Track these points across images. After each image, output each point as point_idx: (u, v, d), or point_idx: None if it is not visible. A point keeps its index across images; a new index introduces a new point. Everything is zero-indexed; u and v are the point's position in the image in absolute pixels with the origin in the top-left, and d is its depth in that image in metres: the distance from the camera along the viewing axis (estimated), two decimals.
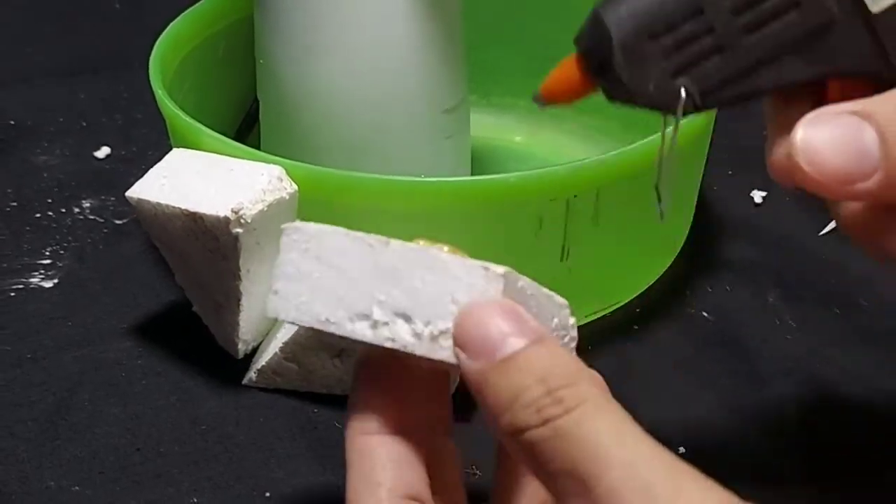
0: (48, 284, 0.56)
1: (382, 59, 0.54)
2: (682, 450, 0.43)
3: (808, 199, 0.39)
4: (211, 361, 0.49)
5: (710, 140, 0.56)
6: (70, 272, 0.57)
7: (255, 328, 0.48)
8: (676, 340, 0.52)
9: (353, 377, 0.35)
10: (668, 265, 0.56)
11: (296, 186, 0.45)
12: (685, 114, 0.33)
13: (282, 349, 0.47)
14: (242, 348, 0.48)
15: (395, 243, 0.33)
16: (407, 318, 0.33)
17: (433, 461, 0.35)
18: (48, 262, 0.57)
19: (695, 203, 0.58)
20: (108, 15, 0.86)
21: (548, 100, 0.35)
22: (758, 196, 0.62)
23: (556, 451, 0.29)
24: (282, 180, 0.45)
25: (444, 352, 0.32)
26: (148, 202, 0.46)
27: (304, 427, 0.47)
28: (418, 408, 0.35)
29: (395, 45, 0.54)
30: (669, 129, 0.35)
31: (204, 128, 0.50)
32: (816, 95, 0.34)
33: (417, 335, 0.33)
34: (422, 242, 0.35)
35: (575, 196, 0.48)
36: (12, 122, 0.70)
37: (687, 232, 0.57)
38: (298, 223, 0.35)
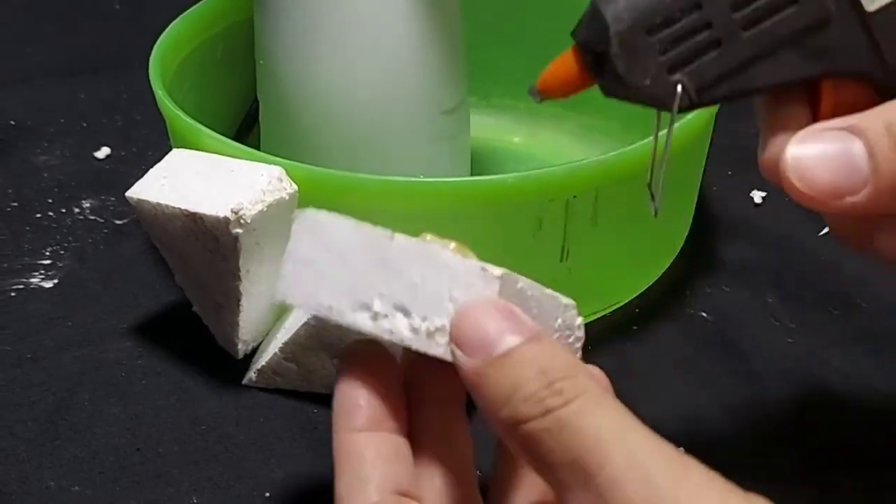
0: (48, 284, 0.56)
1: (382, 59, 0.54)
2: (681, 449, 0.43)
3: None
4: (211, 361, 0.50)
5: (710, 140, 0.56)
6: (70, 272, 0.57)
7: (255, 328, 0.48)
8: (676, 340, 0.52)
9: (338, 375, 0.35)
10: (667, 265, 0.56)
11: (296, 187, 0.46)
12: (681, 110, 0.33)
13: (282, 349, 0.47)
14: (242, 348, 0.49)
15: (400, 238, 0.34)
16: (406, 313, 0.33)
17: (444, 439, 0.35)
18: (48, 262, 0.57)
19: (694, 203, 0.58)
20: (108, 15, 0.86)
21: (543, 93, 0.35)
22: (757, 196, 0.63)
23: (556, 442, 0.30)
24: (282, 181, 0.45)
25: (439, 348, 0.33)
26: (148, 202, 0.46)
27: (304, 427, 0.47)
28: (429, 389, 0.35)
29: (395, 45, 0.54)
30: (662, 134, 0.35)
31: (204, 128, 0.50)
32: (809, 97, 0.34)
33: (415, 330, 0.33)
34: (429, 237, 0.35)
35: (574, 197, 0.48)
36: (12, 122, 0.70)
37: (687, 232, 0.57)
38: (310, 210, 0.35)
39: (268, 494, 0.44)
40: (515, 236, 0.48)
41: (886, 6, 0.33)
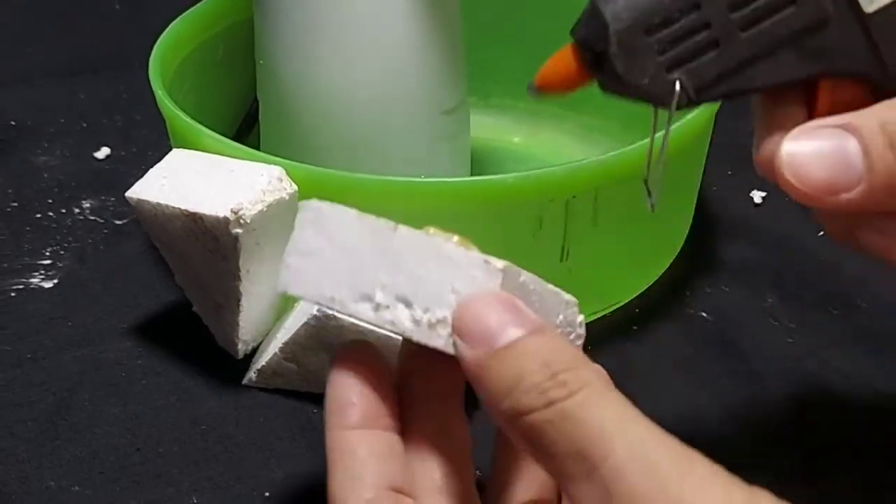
0: (48, 285, 0.56)
1: (382, 59, 0.54)
2: None
3: None
4: (211, 361, 0.50)
5: (710, 140, 0.56)
6: (70, 272, 0.57)
7: (255, 328, 0.48)
8: (676, 341, 0.52)
9: (329, 373, 0.35)
10: (667, 265, 0.56)
11: (296, 187, 0.46)
12: (679, 108, 0.33)
13: (282, 349, 0.47)
14: (242, 348, 0.49)
15: (403, 229, 0.34)
16: (407, 304, 0.33)
17: (442, 433, 0.35)
18: (48, 262, 0.57)
19: (694, 203, 0.58)
20: (108, 15, 0.86)
21: (542, 90, 0.35)
22: (757, 196, 0.63)
23: (559, 433, 0.30)
24: (282, 181, 0.45)
25: (440, 340, 0.33)
26: (148, 202, 0.46)
27: (304, 427, 0.47)
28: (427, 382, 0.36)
29: (395, 45, 0.54)
30: (659, 135, 0.35)
31: (204, 128, 0.50)
32: (806, 96, 0.35)
33: (416, 321, 0.33)
34: (432, 230, 0.35)
35: (574, 197, 0.48)
36: (12, 123, 0.70)
37: (686, 232, 0.57)
38: (315, 201, 0.35)
39: (268, 494, 0.44)
40: (515, 236, 0.48)
41: (885, 7, 0.33)
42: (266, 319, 0.49)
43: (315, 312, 0.44)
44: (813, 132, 0.33)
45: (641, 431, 0.30)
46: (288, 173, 0.46)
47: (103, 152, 0.67)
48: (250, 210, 0.44)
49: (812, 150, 0.33)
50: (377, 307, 0.34)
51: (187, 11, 0.60)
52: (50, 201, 0.62)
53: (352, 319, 0.34)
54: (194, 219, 0.44)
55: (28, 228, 0.60)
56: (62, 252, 0.58)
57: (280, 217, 0.45)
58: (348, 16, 0.53)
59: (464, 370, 0.32)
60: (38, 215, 0.61)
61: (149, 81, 0.54)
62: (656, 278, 0.55)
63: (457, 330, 0.32)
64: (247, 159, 0.47)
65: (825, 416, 0.48)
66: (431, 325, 0.33)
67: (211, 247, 0.45)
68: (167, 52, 0.57)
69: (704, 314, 0.54)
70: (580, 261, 0.49)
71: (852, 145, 0.33)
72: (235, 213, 0.43)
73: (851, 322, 0.53)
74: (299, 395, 0.48)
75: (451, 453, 0.35)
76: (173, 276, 0.50)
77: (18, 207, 0.62)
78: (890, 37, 0.33)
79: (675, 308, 0.54)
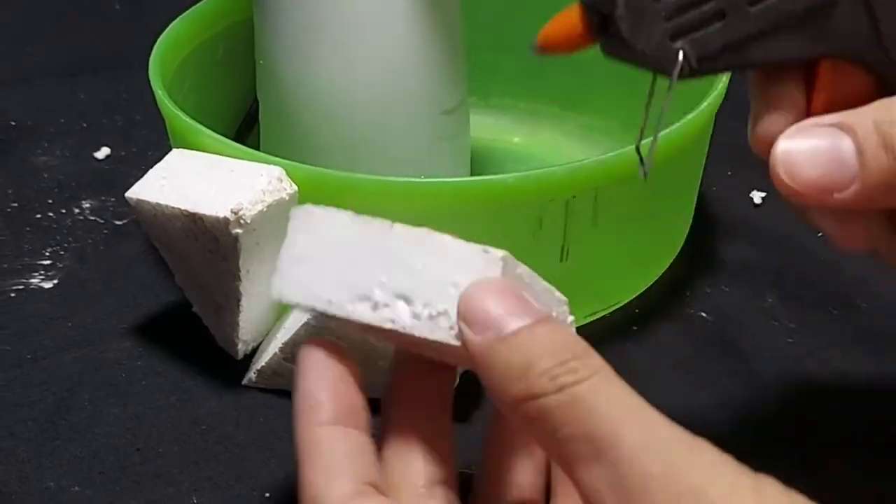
0: (48, 285, 0.56)
1: (382, 59, 0.54)
2: None
3: None
4: (211, 361, 0.50)
5: (710, 140, 0.56)
6: (70, 273, 0.57)
7: (255, 328, 0.48)
8: (676, 341, 0.52)
9: (297, 369, 0.35)
10: (667, 265, 0.56)
11: (296, 187, 0.46)
12: (680, 78, 0.33)
13: (282, 349, 0.47)
14: (242, 349, 0.49)
15: (399, 227, 0.34)
16: (407, 300, 0.33)
17: (429, 437, 0.35)
18: (48, 262, 0.57)
19: (694, 203, 0.58)
20: (108, 15, 0.86)
21: (544, 49, 0.35)
22: (757, 196, 0.63)
23: (569, 416, 0.30)
24: (281, 181, 0.45)
25: (441, 332, 0.33)
26: (147, 203, 0.46)
27: None
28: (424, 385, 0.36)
29: (395, 45, 0.54)
30: (652, 124, 0.35)
31: (204, 128, 0.50)
32: (806, 77, 0.35)
33: (416, 316, 0.33)
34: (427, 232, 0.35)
35: (574, 197, 0.48)
36: (12, 123, 0.70)
37: (686, 232, 0.57)
38: (307, 206, 0.35)
39: (268, 494, 0.44)
40: (515, 236, 0.48)
41: None
42: (266, 319, 0.49)
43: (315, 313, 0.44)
44: (808, 130, 0.33)
45: (651, 417, 0.30)
46: (288, 173, 0.46)
47: (103, 152, 0.67)
48: (250, 210, 0.44)
49: (806, 149, 0.33)
50: (375, 306, 0.34)
51: (187, 11, 0.60)
52: (50, 201, 0.62)
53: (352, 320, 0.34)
54: (194, 219, 0.44)
55: (28, 228, 0.60)
56: (62, 252, 0.58)
57: (280, 217, 0.45)
58: (348, 16, 0.53)
59: (470, 356, 0.32)
60: (38, 215, 0.61)
61: (149, 81, 0.54)
62: (656, 278, 0.55)
63: (463, 316, 0.32)
64: (247, 159, 0.47)
65: (825, 416, 0.48)
66: (433, 318, 0.33)
67: (211, 247, 0.45)
68: (167, 52, 0.57)
69: (704, 314, 0.54)
70: (580, 261, 0.49)
71: (846, 144, 0.33)
72: (235, 213, 0.43)
73: (851, 322, 0.53)
74: None
75: (436, 458, 0.35)
76: (173, 276, 0.50)
77: (18, 207, 0.62)
78: (893, 24, 0.33)
79: (675, 308, 0.54)
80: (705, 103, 0.51)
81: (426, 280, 0.33)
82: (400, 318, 0.33)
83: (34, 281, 0.56)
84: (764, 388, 0.49)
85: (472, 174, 0.60)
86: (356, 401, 0.35)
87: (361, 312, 0.34)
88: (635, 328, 0.53)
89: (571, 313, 0.37)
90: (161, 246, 0.49)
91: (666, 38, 0.33)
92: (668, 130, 0.48)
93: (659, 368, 0.50)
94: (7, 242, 0.59)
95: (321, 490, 0.33)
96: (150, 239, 0.51)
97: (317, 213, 0.35)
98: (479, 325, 0.32)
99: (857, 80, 0.34)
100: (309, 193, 0.46)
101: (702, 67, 0.33)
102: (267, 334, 0.49)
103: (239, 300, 0.46)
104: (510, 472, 0.37)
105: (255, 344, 0.49)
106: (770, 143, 0.34)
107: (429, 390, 0.37)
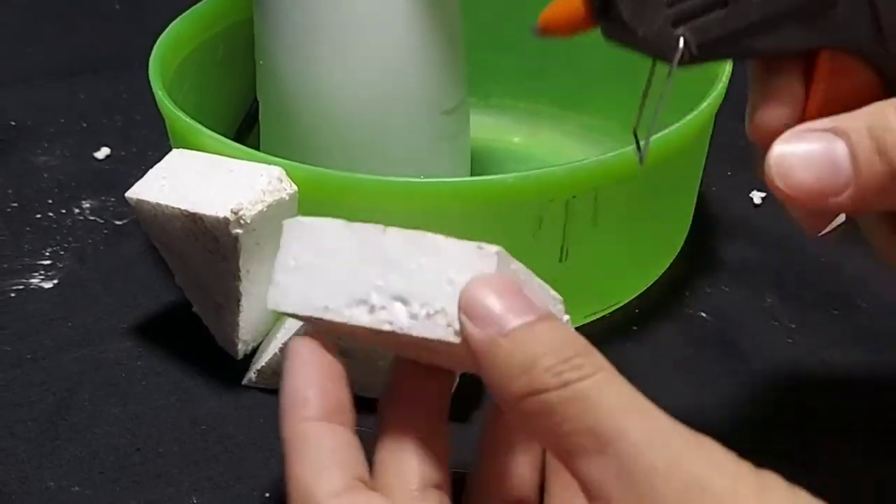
0: (48, 285, 0.56)
1: (382, 59, 0.54)
2: None
3: None
4: (211, 361, 0.50)
5: (710, 140, 0.56)
6: (70, 273, 0.57)
7: (255, 328, 0.48)
8: (676, 341, 0.52)
9: (285, 365, 0.35)
10: (667, 265, 0.56)
11: (295, 187, 0.46)
12: (680, 65, 0.33)
13: (282, 349, 0.47)
14: (242, 348, 0.49)
15: (392, 230, 0.34)
16: (404, 301, 0.33)
17: (425, 439, 0.35)
18: (48, 262, 0.57)
19: (694, 203, 0.58)
20: (108, 15, 0.86)
21: (545, 31, 0.35)
22: (757, 197, 0.62)
23: (574, 411, 0.30)
24: (281, 181, 0.45)
25: (439, 330, 0.33)
26: (147, 203, 0.46)
27: None
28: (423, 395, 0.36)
29: (395, 45, 0.54)
30: (650, 109, 0.35)
31: (204, 128, 0.50)
32: (805, 68, 0.35)
33: (414, 316, 0.33)
34: None
35: (574, 197, 0.48)
36: (12, 123, 0.70)
37: (686, 232, 0.57)
38: (299, 218, 0.36)
39: (268, 494, 0.44)
40: (515, 236, 0.48)
41: None
42: (266, 319, 0.49)
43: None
44: (802, 135, 0.34)
45: (654, 413, 0.30)
46: (288, 173, 0.46)
47: (103, 152, 0.67)
48: (250, 210, 0.44)
49: (801, 154, 0.33)
50: (372, 309, 0.34)
51: (187, 11, 0.60)
52: (50, 201, 0.62)
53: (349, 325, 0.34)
54: (194, 219, 0.44)
55: (28, 228, 0.60)
56: (62, 252, 0.58)
57: (280, 217, 0.44)
58: (348, 16, 0.53)
59: (470, 350, 0.32)
60: (38, 215, 0.61)
61: (149, 81, 0.54)
62: (656, 278, 0.55)
63: (465, 309, 0.32)
64: (247, 159, 0.47)
65: (825, 416, 0.48)
66: (430, 317, 0.33)
67: (211, 247, 0.45)
68: (167, 52, 0.57)
69: (704, 314, 0.54)
70: (580, 261, 0.49)
71: (840, 149, 0.33)
72: (235, 213, 0.43)
73: (851, 322, 0.53)
74: None
75: (431, 460, 0.35)
76: (173, 276, 0.50)
77: (18, 207, 0.62)
78: (894, 18, 0.33)
79: (675, 308, 0.54)
80: (705, 103, 0.51)
81: (422, 280, 0.33)
82: (397, 319, 0.33)
83: (34, 281, 0.56)
84: (764, 389, 0.49)
85: (472, 174, 0.60)
86: (343, 398, 0.35)
87: (359, 316, 0.34)
88: (635, 328, 0.53)
89: (567, 312, 0.37)
90: (161, 246, 0.49)
91: (667, 24, 0.33)
92: (668, 130, 0.49)
93: (659, 368, 0.50)
94: (7, 242, 0.59)
95: (310, 485, 0.33)
96: (150, 239, 0.51)
97: (309, 223, 0.35)
98: (480, 319, 0.32)
99: (856, 72, 0.35)
100: (309, 193, 0.46)
101: (702, 54, 0.33)
102: (267, 334, 0.49)
103: (239, 300, 0.46)
104: (504, 470, 0.37)
105: (255, 344, 0.49)
106: (767, 132, 0.35)
107: (427, 392, 0.37)
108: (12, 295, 0.55)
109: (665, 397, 0.49)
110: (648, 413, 0.30)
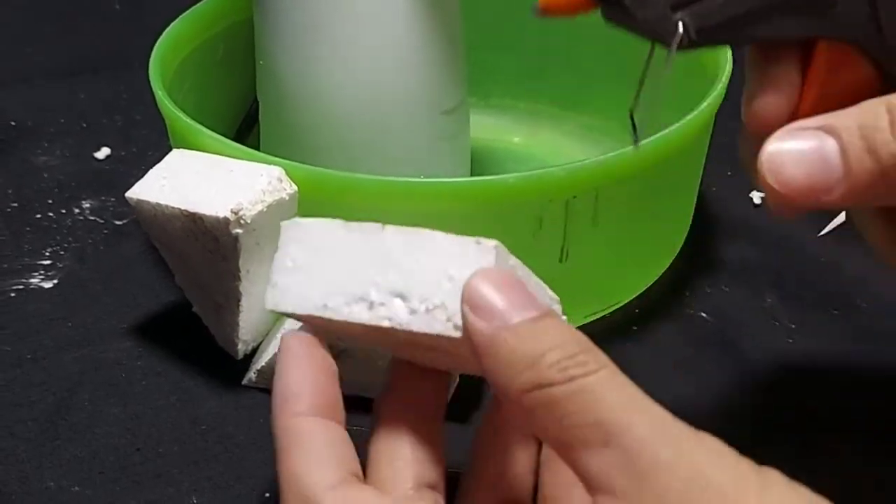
0: (48, 285, 0.56)
1: (382, 59, 0.54)
2: None
3: None
4: (211, 361, 0.50)
5: (710, 140, 0.56)
6: (70, 273, 0.57)
7: (255, 328, 0.48)
8: (676, 341, 0.52)
9: (277, 361, 0.35)
10: (667, 266, 0.56)
11: (295, 187, 0.46)
12: (678, 49, 0.33)
13: None
14: (242, 348, 0.49)
15: (390, 227, 0.34)
16: (403, 297, 0.33)
17: (422, 438, 0.35)
18: (48, 262, 0.57)
19: (694, 203, 0.58)
20: (108, 15, 0.86)
21: (545, 10, 0.35)
22: (757, 197, 0.62)
23: (579, 405, 0.30)
24: (281, 181, 0.45)
25: (439, 325, 0.33)
26: (148, 203, 0.46)
27: None
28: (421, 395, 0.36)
29: (395, 45, 0.54)
30: (648, 93, 0.35)
31: (204, 128, 0.50)
32: (802, 56, 0.35)
33: (413, 311, 0.33)
34: None
35: (574, 197, 0.48)
36: (12, 123, 0.70)
37: (686, 232, 0.57)
38: (297, 219, 0.36)
39: (268, 494, 0.44)
40: (515, 236, 0.47)
41: None
42: (266, 319, 0.49)
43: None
44: (794, 133, 0.34)
45: (657, 409, 0.31)
46: (288, 173, 0.46)
47: (103, 152, 0.67)
48: (250, 210, 0.44)
49: (793, 152, 0.34)
50: (371, 306, 0.34)
51: (187, 11, 0.60)
52: (50, 201, 0.62)
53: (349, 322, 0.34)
54: (194, 219, 0.44)
55: (28, 228, 0.60)
56: (62, 252, 0.58)
57: (280, 217, 0.45)
58: (348, 16, 0.53)
59: (472, 342, 0.32)
60: (38, 215, 0.61)
61: (149, 81, 0.54)
62: (656, 278, 0.55)
63: (468, 302, 0.32)
64: (247, 159, 0.47)
65: (825, 416, 0.48)
66: (429, 311, 0.33)
67: (211, 247, 0.45)
68: (167, 52, 0.57)
69: (704, 314, 0.54)
70: (580, 261, 0.49)
71: (831, 147, 0.33)
72: (235, 213, 0.43)
73: (851, 322, 0.53)
74: None
75: (426, 460, 0.35)
76: (173, 276, 0.50)
77: (18, 207, 0.62)
78: (893, 11, 0.33)
79: (674, 308, 0.54)
80: (705, 103, 0.51)
81: (421, 276, 0.33)
82: (397, 315, 0.33)
83: (34, 281, 0.56)
84: (764, 389, 0.49)
85: (472, 174, 0.60)
86: (334, 395, 0.35)
87: (358, 314, 0.34)
88: (635, 328, 0.53)
89: (564, 312, 0.37)
90: (161, 246, 0.49)
91: (667, 8, 0.33)
92: (667, 130, 0.49)
93: (659, 368, 0.50)
94: (7, 242, 0.59)
95: (304, 480, 0.33)
96: (150, 239, 0.51)
97: (306, 224, 0.35)
98: (484, 311, 0.32)
99: (854, 64, 0.35)
100: (309, 193, 0.46)
101: (701, 39, 0.33)
102: (267, 334, 0.49)
103: (239, 300, 0.46)
104: (498, 470, 0.37)
105: (255, 344, 0.49)
106: (763, 120, 0.35)
107: (424, 392, 0.37)
108: (12, 295, 0.55)
109: (665, 397, 0.49)
110: (651, 409, 0.30)
